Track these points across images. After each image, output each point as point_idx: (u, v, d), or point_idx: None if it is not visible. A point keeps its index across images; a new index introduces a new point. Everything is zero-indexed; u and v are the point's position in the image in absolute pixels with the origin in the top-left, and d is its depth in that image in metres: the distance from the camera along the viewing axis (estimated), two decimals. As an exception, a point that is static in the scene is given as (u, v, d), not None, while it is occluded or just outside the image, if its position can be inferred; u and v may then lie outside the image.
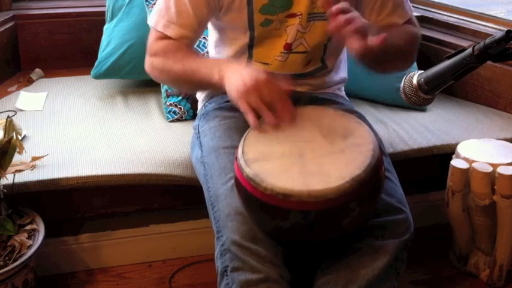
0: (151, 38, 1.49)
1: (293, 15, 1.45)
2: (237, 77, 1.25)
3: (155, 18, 1.47)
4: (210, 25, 1.58)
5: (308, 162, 1.17)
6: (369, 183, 1.13)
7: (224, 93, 1.31)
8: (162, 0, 1.46)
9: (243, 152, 1.20)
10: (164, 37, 1.46)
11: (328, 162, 1.16)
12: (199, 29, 1.47)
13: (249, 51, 1.51)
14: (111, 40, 2.10)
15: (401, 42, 1.46)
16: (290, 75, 1.52)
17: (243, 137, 1.24)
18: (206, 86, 1.45)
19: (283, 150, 1.20)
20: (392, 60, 1.47)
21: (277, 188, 1.11)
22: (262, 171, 1.14)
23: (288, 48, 1.48)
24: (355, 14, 1.25)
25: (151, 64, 1.49)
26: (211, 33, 1.61)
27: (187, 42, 1.47)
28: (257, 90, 1.22)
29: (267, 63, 1.51)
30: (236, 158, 1.21)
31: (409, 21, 1.53)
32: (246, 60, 1.52)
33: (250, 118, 1.23)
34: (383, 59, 1.39)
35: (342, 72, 1.66)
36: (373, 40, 1.22)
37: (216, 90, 1.43)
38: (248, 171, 1.15)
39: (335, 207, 1.11)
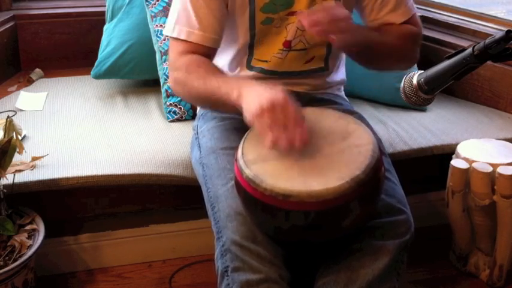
0: (174, 51, 1.43)
1: (294, 13, 1.44)
2: (254, 98, 1.18)
3: (177, 28, 1.42)
4: None
5: (308, 162, 1.17)
6: (368, 183, 1.13)
7: (240, 114, 1.23)
8: (178, 7, 1.43)
9: (242, 154, 1.19)
10: (187, 51, 1.41)
11: (328, 163, 1.16)
12: (220, 29, 1.43)
13: (249, 50, 1.51)
14: (111, 40, 2.10)
15: (397, 41, 1.44)
16: (289, 73, 1.52)
17: (243, 138, 1.24)
18: (224, 104, 1.31)
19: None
20: (386, 59, 1.46)
21: (277, 189, 1.11)
22: (262, 172, 1.14)
23: (288, 45, 1.48)
24: (330, 12, 1.28)
25: (174, 79, 1.43)
26: None
27: (211, 47, 1.43)
28: (272, 113, 1.15)
29: (266, 61, 1.51)
30: (236, 160, 1.21)
31: (411, 20, 1.50)
32: (246, 59, 1.52)
33: (267, 139, 1.14)
34: (374, 57, 1.41)
35: (341, 73, 1.66)
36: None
37: (234, 110, 1.27)
38: (248, 172, 1.15)
39: (334, 207, 1.11)
